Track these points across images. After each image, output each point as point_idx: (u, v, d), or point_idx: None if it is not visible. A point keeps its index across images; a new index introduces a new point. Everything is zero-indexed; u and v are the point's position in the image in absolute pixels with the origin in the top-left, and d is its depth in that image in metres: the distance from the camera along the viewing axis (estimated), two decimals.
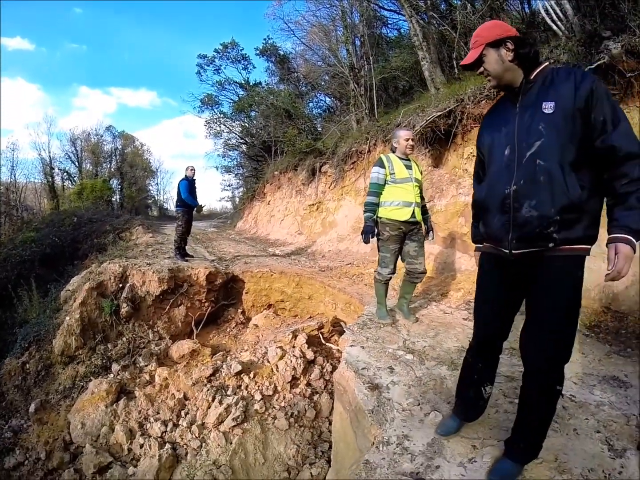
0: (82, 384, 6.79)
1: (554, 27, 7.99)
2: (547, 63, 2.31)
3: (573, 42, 6.71)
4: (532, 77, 2.27)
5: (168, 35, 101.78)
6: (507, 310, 2.50)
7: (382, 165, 5.08)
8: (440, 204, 8.71)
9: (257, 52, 27.39)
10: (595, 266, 5.60)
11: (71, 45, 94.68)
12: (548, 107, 2.16)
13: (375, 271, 5.48)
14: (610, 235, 2.04)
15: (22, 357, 7.28)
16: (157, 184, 49.63)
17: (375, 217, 5.18)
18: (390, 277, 5.38)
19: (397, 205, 5.00)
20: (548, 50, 7.38)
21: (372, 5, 17.51)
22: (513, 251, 2.24)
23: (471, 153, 8.31)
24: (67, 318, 7.27)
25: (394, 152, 5.24)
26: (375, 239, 5.25)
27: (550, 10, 8.02)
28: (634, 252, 1.97)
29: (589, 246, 2.20)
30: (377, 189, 5.14)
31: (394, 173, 5.07)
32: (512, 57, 2.26)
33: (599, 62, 5.96)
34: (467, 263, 7.61)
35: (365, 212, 5.24)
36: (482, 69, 2.34)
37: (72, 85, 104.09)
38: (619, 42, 5.85)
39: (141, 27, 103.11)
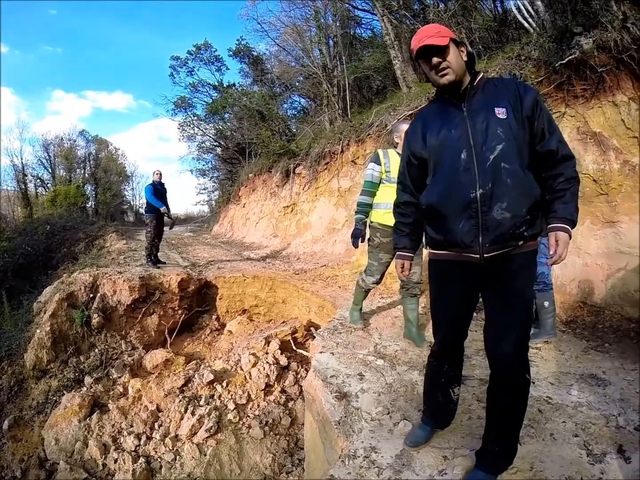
0: (55, 398, 6.66)
1: (526, 25, 8.07)
2: (483, 72, 2.42)
3: (544, 39, 6.75)
4: (475, 83, 2.35)
5: (144, 36, 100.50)
6: (468, 312, 2.54)
7: (377, 162, 4.57)
8: None
9: (231, 53, 27.25)
10: (570, 261, 5.68)
11: (46, 47, 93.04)
12: (501, 112, 2.24)
13: (360, 276, 5.23)
14: (551, 225, 2.23)
15: None
16: (132, 188, 49.02)
17: (366, 219, 4.77)
18: (374, 287, 5.22)
19: (390, 208, 4.46)
20: (519, 47, 7.46)
21: (346, 5, 17.52)
22: (485, 255, 2.25)
23: None
24: (38, 331, 7.15)
25: (395, 147, 4.64)
26: (365, 243, 4.89)
27: (522, 8, 8.09)
28: (570, 239, 2.21)
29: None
30: (370, 188, 4.68)
31: (389, 171, 4.52)
32: (466, 59, 2.35)
33: (570, 57, 6.04)
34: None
35: (356, 212, 4.80)
36: (443, 59, 2.28)
37: (46, 89, 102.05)
38: (591, 38, 5.92)
39: (117, 28, 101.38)
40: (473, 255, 2.27)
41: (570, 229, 2.20)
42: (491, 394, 2.46)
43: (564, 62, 6.12)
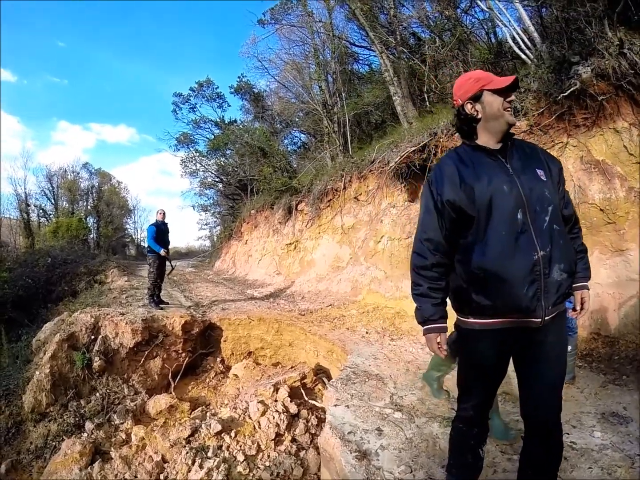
0: (54, 443, 6.40)
1: (522, 56, 8.15)
2: None
3: (543, 70, 6.79)
4: (512, 142, 2.34)
5: (149, 71, 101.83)
6: (502, 376, 2.44)
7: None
8: None
9: (232, 90, 27.67)
10: None
11: (53, 78, 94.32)
12: (542, 174, 2.24)
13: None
14: (577, 285, 2.39)
15: None
16: (134, 222, 48.98)
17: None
18: None
19: None
20: (518, 80, 7.43)
21: (344, 42, 17.76)
22: (546, 317, 2.16)
23: None
24: (37, 372, 6.94)
25: None
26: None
27: (518, 39, 8.15)
28: None
29: None
30: None
31: None
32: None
33: (571, 89, 6.05)
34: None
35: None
36: (514, 97, 2.33)
37: (52, 119, 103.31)
38: (589, 66, 5.97)
39: (122, 63, 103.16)
40: (534, 320, 2.16)
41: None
42: (529, 455, 2.40)
43: (565, 94, 6.12)
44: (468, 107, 2.32)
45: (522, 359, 2.35)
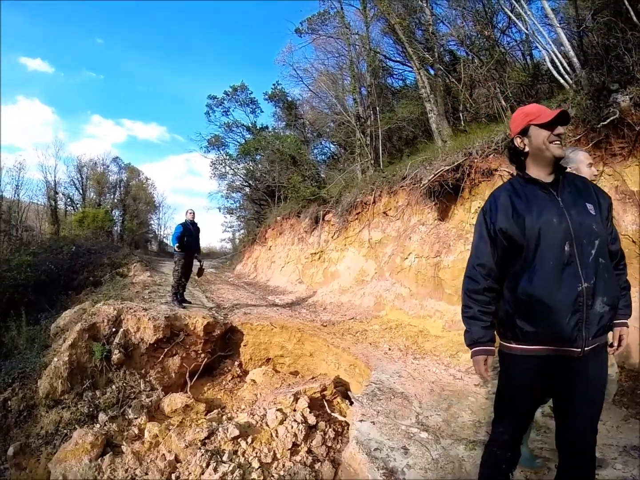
0: (65, 431, 6.36)
1: (561, 80, 8.07)
2: None
3: (581, 96, 6.74)
4: (564, 175, 2.44)
5: (183, 72, 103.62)
6: (540, 403, 2.62)
7: None
8: (447, 260, 8.59)
9: (266, 97, 27.85)
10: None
11: (89, 73, 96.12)
12: (591, 209, 2.32)
13: None
14: (617, 321, 2.41)
15: (4, 392, 6.92)
16: (158, 218, 49.59)
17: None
18: None
19: None
20: (556, 104, 7.38)
21: (379, 55, 17.75)
22: (586, 348, 2.23)
23: (478, 207, 8.21)
24: (55, 359, 6.90)
25: None
26: None
27: (558, 63, 8.04)
28: None
29: None
30: None
31: None
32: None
33: (612, 118, 5.98)
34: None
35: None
36: (564, 130, 2.44)
37: (86, 112, 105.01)
38: (627, 95, 5.91)
39: (158, 63, 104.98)
40: (575, 349, 2.23)
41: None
42: None
43: (605, 123, 6.06)
44: (517, 141, 2.46)
45: (562, 389, 2.37)
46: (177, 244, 9.54)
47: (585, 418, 2.33)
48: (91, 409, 6.65)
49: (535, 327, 2.25)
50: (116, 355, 7.21)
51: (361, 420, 4.34)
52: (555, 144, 2.32)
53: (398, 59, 18.87)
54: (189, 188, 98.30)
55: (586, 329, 2.20)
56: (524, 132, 2.42)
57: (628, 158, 6.00)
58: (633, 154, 5.93)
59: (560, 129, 2.34)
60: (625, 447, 3.61)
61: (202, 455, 5.15)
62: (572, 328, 2.19)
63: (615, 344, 2.41)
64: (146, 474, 5.40)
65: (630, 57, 6.27)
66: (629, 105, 5.83)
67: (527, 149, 2.43)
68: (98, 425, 6.33)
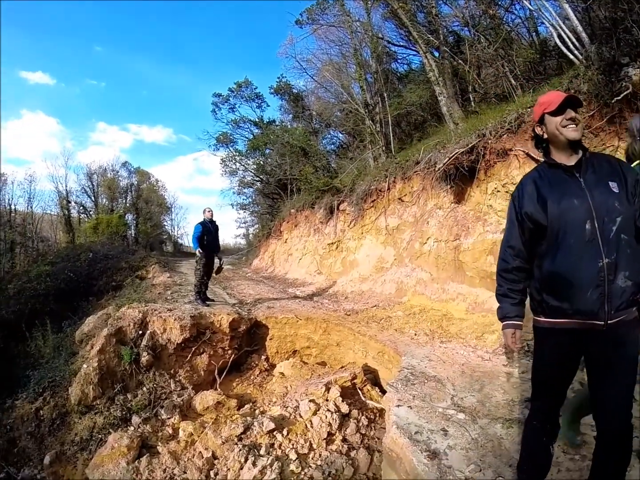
0: (100, 436, 6.38)
1: (570, 56, 7.98)
2: None
3: (592, 71, 6.67)
4: (587, 156, 2.49)
5: (185, 73, 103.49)
6: (573, 375, 2.60)
7: None
8: (467, 243, 8.52)
9: (271, 90, 27.81)
10: None
11: (90, 81, 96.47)
12: (614, 187, 2.37)
13: None
14: None
15: (35, 402, 6.92)
16: (171, 219, 49.87)
17: None
18: None
19: None
20: (567, 80, 7.29)
21: (382, 41, 17.61)
22: (609, 321, 2.30)
23: (495, 188, 8.19)
24: (85, 366, 6.94)
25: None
26: None
27: (566, 39, 7.94)
28: None
29: None
30: None
31: None
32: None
33: (625, 93, 5.92)
34: (497, 303, 7.37)
35: None
36: (575, 114, 2.45)
37: (91, 120, 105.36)
38: (638, 68, 5.87)
39: (159, 65, 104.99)
40: (597, 322, 2.33)
41: None
42: (599, 458, 2.49)
43: (619, 97, 6.00)
44: (537, 130, 2.62)
45: (592, 365, 2.48)
46: (198, 246, 9.60)
47: (616, 393, 2.37)
48: (124, 412, 6.67)
49: (560, 301, 2.40)
50: (145, 358, 7.24)
51: (398, 406, 4.32)
52: (569, 127, 2.42)
53: (402, 44, 18.72)
54: (200, 187, 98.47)
55: (608, 303, 2.29)
56: (541, 121, 2.57)
57: None
58: None
59: (571, 113, 2.43)
60: None
61: (240, 450, 5.17)
62: (594, 301, 2.29)
63: None
64: (184, 472, 5.43)
65: (639, 30, 6.19)
66: None
67: (545, 136, 2.57)
68: (132, 428, 6.37)
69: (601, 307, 2.30)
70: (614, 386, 2.37)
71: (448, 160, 8.91)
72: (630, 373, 2.38)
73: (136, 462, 5.66)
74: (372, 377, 7.06)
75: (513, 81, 11.59)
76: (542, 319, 2.53)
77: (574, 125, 2.42)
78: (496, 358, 5.84)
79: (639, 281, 2.33)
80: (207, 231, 9.83)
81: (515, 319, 2.66)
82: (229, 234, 56.41)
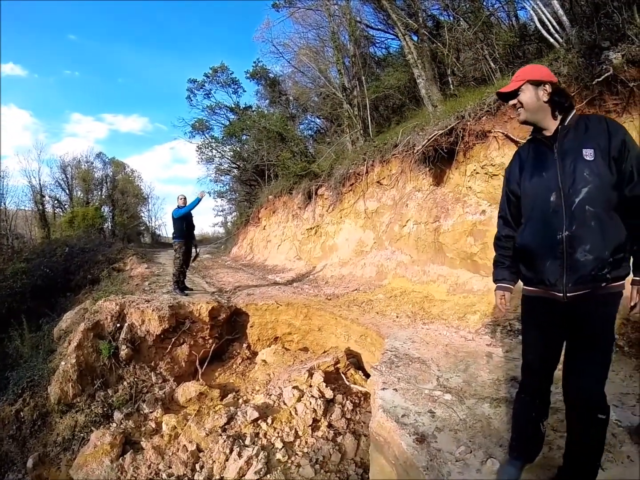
0: (82, 435, 6.25)
1: (551, 39, 8.03)
2: (575, 110, 2.54)
3: (573, 54, 6.67)
4: (566, 124, 2.48)
5: (160, 60, 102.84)
6: (556, 351, 2.62)
7: None
8: (446, 224, 8.53)
9: (247, 75, 27.47)
10: None
11: (65, 71, 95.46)
12: (589, 154, 2.34)
13: None
14: (634, 278, 2.39)
15: (15, 404, 6.75)
16: (148, 210, 49.18)
17: None
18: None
19: None
20: (547, 63, 7.31)
21: (360, 24, 17.48)
22: (568, 294, 2.36)
23: (474, 170, 8.20)
24: (63, 363, 6.79)
25: None
26: None
27: (547, 22, 7.95)
28: None
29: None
30: None
31: None
32: (547, 99, 2.49)
33: (605, 75, 5.90)
34: (479, 283, 7.51)
35: None
36: (515, 100, 2.57)
37: (65, 111, 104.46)
38: (619, 52, 5.87)
39: (134, 53, 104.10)
40: (557, 293, 2.40)
41: None
42: (570, 432, 2.55)
43: (600, 79, 6.00)
44: None
45: (565, 338, 2.53)
46: (190, 206, 9.69)
47: (584, 366, 2.40)
48: (105, 409, 6.56)
49: (528, 270, 2.58)
50: (124, 351, 7.12)
51: (383, 389, 4.27)
52: (516, 112, 2.60)
53: (380, 27, 18.58)
54: (178, 176, 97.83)
55: (567, 275, 2.35)
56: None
57: (622, 114, 5.99)
58: (627, 110, 5.92)
59: (510, 103, 2.62)
60: None
61: (224, 441, 5.11)
62: (553, 272, 2.39)
63: (632, 303, 2.44)
64: (169, 467, 5.35)
65: (620, 15, 6.28)
66: (621, 62, 5.80)
67: None
68: (114, 425, 6.26)
69: (559, 279, 2.37)
70: (579, 361, 2.42)
71: (427, 142, 8.87)
72: (596, 349, 2.39)
73: (120, 459, 5.59)
74: (356, 361, 7.04)
75: (492, 64, 11.56)
76: (523, 287, 2.68)
77: (518, 111, 2.58)
78: (479, 338, 5.83)
79: (602, 256, 2.29)
80: (184, 218, 9.72)
81: (504, 282, 2.85)
82: (207, 223, 55.84)
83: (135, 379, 7.04)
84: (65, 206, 35.24)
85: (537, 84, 2.51)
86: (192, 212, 10.13)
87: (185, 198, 10.05)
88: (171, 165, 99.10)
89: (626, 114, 5.90)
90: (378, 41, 20.09)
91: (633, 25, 6.02)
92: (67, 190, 36.09)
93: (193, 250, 10.18)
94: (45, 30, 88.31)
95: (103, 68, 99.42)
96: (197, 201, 9.64)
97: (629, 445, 3.00)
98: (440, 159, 8.81)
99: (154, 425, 6.22)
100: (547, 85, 2.49)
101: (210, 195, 34.01)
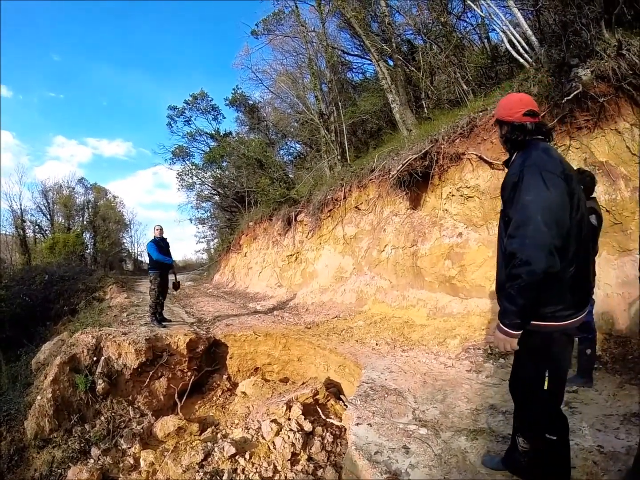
0: (60, 471, 6.09)
1: (521, 60, 8.26)
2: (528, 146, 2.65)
3: (542, 73, 6.86)
4: (511, 160, 2.76)
5: (145, 84, 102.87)
6: None
7: None
8: (424, 248, 8.66)
9: (227, 102, 27.74)
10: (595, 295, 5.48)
11: (49, 93, 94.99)
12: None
13: None
14: None
15: None
16: (130, 236, 49.00)
17: None
18: None
19: None
20: (518, 83, 7.53)
21: (337, 51, 17.76)
22: None
23: (450, 193, 8.38)
24: (39, 397, 6.67)
25: None
26: None
27: (516, 43, 8.19)
28: (503, 334, 2.47)
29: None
30: None
31: None
32: (503, 139, 2.78)
33: (574, 93, 6.09)
34: (458, 306, 7.61)
35: None
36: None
37: (48, 134, 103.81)
38: (588, 68, 6.04)
39: (119, 75, 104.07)
40: None
41: (502, 327, 2.47)
42: None
43: (570, 97, 6.16)
44: None
45: None
46: (160, 257, 9.56)
47: None
48: (82, 444, 6.42)
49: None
50: (100, 385, 7.01)
51: (357, 424, 4.26)
52: None
53: (356, 53, 19.01)
54: (161, 201, 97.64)
55: None
56: None
57: (594, 130, 6.14)
58: (598, 125, 6.06)
59: None
60: (626, 415, 3.70)
61: (201, 478, 5.06)
62: None
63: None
64: None
65: (588, 32, 6.39)
66: (590, 78, 5.96)
67: None
68: (92, 461, 6.14)
69: None
70: None
71: (402, 167, 8.99)
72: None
73: None
74: (336, 391, 6.97)
75: (465, 86, 11.80)
76: None
77: None
78: (459, 364, 5.86)
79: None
80: (160, 248, 9.69)
81: None
82: (190, 250, 55.58)
83: (113, 414, 6.94)
84: (46, 231, 34.95)
85: (500, 123, 2.77)
86: (168, 242, 10.15)
87: (161, 229, 10.04)
88: (154, 190, 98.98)
89: (597, 129, 6.07)
90: (355, 66, 20.52)
91: (601, 40, 6.16)
92: (48, 216, 35.84)
93: (172, 277, 10.13)
94: (29, 48, 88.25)
95: (88, 91, 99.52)
96: (166, 260, 9.72)
97: (612, 474, 2.94)
98: (415, 183, 8.93)
99: (132, 461, 6.12)
100: (504, 126, 2.73)
101: (192, 222, 34.17)
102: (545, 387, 2.54)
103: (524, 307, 2.35)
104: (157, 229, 10.01)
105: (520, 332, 2.43)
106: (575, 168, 3.29)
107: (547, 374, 2.53)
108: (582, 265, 2.51)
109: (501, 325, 2.45)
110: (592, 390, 4.38)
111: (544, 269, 2.23)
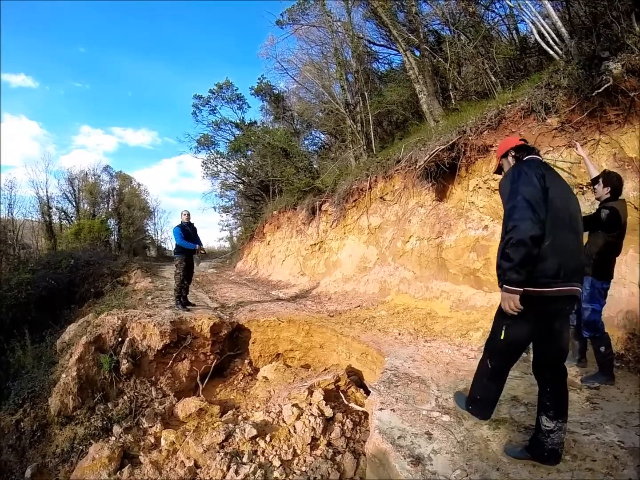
0: (81, 447, 6.21)
1: (550, 52, 8.03)
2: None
3: (572, 66, 6.71)
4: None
5: (170, 75, 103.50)
6: None
7: None
8: (449, 240, 8.55)
9: (252, 91, 27.63)
10: (616, 292, 5.36)
11: (75, 84, 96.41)
12: None
13: None
14: None
15: (16, 414, 6.78)
16: (154, 223, 49.22)
17: None
18: None
19: None
20: (547, 76, 7.33)
21: (363, 41, 17.62)
22: None
23: (476, 185, 8.25)
24: (64, 375, 6.77)
25: None
26: None
27: (546, 34, 8.00)
28: (508, 293, 2.95)
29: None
30: None
31: None
32: (514, 161, 3.44)
33: (604, 86, 5.96)
34: (482, 300, 7.50)
35: None
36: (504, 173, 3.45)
37: (74, 124, 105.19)
38: (619, 62, 5.90)
39: (144, 67, 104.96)
40: None
41: (504, 285, 2.98)
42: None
43: (600, 90, 6.03)
44: None
45: None
46: (183, 243, 9.62)
47: None
48: (105, 422, 6.52)
49: None
50: (125, 365, 7.09)
51: (381, 409, 4.23)
52: None
53: (382, 43, 18.80)
54: (185, 190, 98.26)
55: None
56: None
57: (624, 125, 5.99)
58: (629, 120, 5.91)
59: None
60: None
61: (222, 458, 5.05)
62: None
63: None
64: None
65: (619, 25, 6.28)
66: (621, 72, 5.81)
67: None
68: (113, 438, 6.21)
69: None
70: None
71: (429, 158, 8.89)
72: None
73: (118, 473, 5.53)
74: (357, 379, 6.96)
75: (493, 78, 11.64)
76: None
77: None
78: (481, 355, 5.78)
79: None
80: (186, 233, 9.75)
81: None
82: (213, 237, 55.77)
83: (136, 393, 7.01)
84: (72, 218, 35.30)
85: (505, 155, 3.52)
86: (195, 227, 10.20)
87: (189, 214, 10.08)
88: (178, 178, 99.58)
89: (627, 124, 5.92)
90: (381, 57, 20.32)
91: (632, 34, 6.06)
92: (73, 203, 36.15)
93: (195, 260, 10.17)
94: (56, 41, 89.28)
95: (112, 80, 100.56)
96: (189, 246, 9.72)
97: (631, 469, 2.92)
98: (442, 174, 8.83)
99: (153, 440, 6.19)
100: (510, 152, 3.47)
101: (215, 210, 34.26)
102: (502, 337, 3.17)
103: (518, 263, 2.84)
104: (185, 214, 10.07)
105: (520, 289, 2.89)
106: (602, 170, 4.46)
107: (504, 328, 3.14)
108: (558, 243, 2.93)
109: (503, 284, 2.98)
110: (613, 388, 4.37)
111: (528, 229, 2.81)
